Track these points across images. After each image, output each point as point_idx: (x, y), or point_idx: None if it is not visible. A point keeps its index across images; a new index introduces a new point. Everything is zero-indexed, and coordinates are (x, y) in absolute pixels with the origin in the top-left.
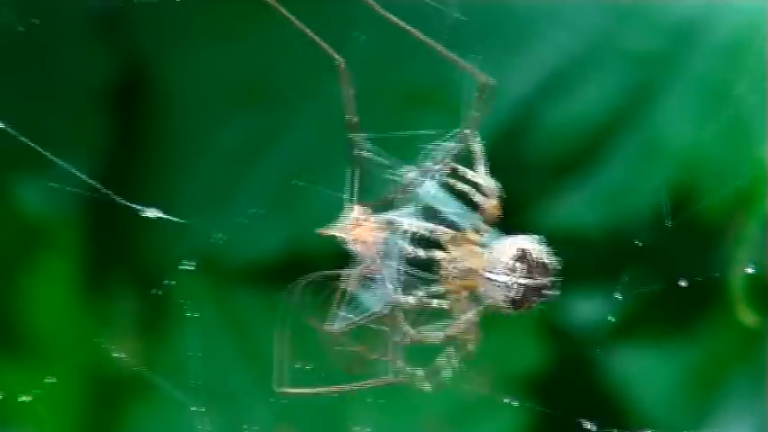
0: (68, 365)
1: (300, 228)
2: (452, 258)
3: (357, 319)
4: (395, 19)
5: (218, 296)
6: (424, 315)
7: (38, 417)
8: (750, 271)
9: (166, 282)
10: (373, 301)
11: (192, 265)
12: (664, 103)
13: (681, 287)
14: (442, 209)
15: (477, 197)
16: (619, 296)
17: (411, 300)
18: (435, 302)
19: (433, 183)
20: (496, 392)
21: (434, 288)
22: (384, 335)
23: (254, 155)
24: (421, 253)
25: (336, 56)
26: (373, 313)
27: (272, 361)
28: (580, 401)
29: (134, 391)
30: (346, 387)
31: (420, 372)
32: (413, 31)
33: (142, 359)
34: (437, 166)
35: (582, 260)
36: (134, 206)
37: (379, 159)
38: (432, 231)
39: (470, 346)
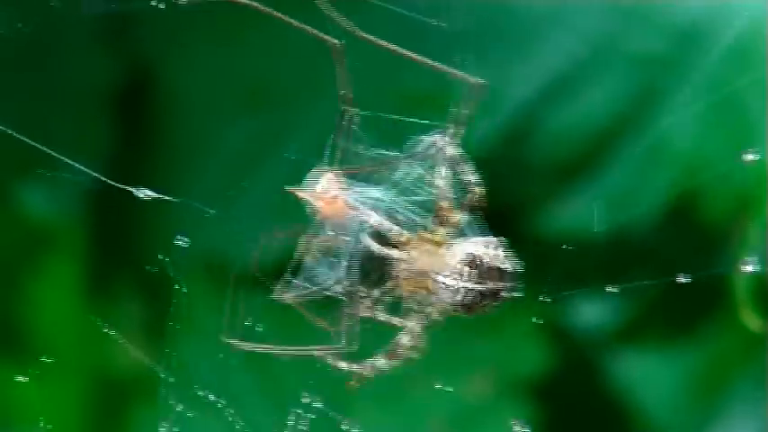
0: (72, 369)
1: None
2: (405, 259)
3: (309, 291)
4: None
5: (225, 299)
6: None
7: (41, 421)
8: (750, 269)
9: (177, 286)
10: (328, 277)
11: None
12: (667, 106)
13: (683, 290)
14: (411, 197)
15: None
16: (614, 289)
17: (364, 302)
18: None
19: (410, 170)
20: (499, 396)
21: (386, 286)
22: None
23: (259, 157)
24: (376, 248)
25: (332, 39)
26: (326, 290)
27: (275, 363)
28: (583, 405)
29: (138, 394)
30: (293, 349)
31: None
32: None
33: (147, 362)
34: (418, 154)
35: (585, 263)
36: (127, 188)
37: (364, 136)
38: (389, 231)
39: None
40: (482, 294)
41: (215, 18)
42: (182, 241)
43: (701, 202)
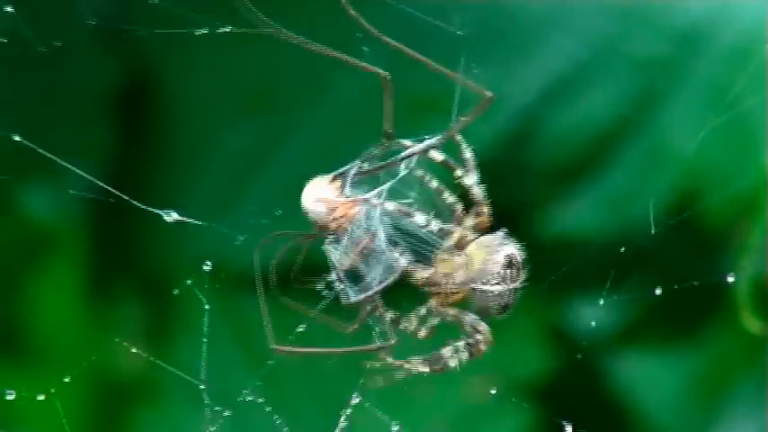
0: (74, 371)
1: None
2: (444, 273)
3: (375, 290)
4: (388, 39)
5: (226, 301)
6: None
7: (43, 422)
8: (731, 280)
9: (175, 291)
10: (380, 269)
11: (208, 266)
12: (668, 108)
13: (684, 293)
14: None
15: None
16: (601, 301)
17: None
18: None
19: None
20: (501, 397)
21: (421, 310)
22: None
23: (261, 159)
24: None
25: (381, 71)
26: (387, 281)
27: (278, 365)
28: (585, 407)
29: (140, 396)
30: (339, 350)
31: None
32: (408, 51)
33: (148, 364)
34: (416, 150)
35: (586, 265)
36: (154, 210)
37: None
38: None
39: (483, 346)
40: (516, 290)
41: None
42: (207, 266)
43: (701, 204)
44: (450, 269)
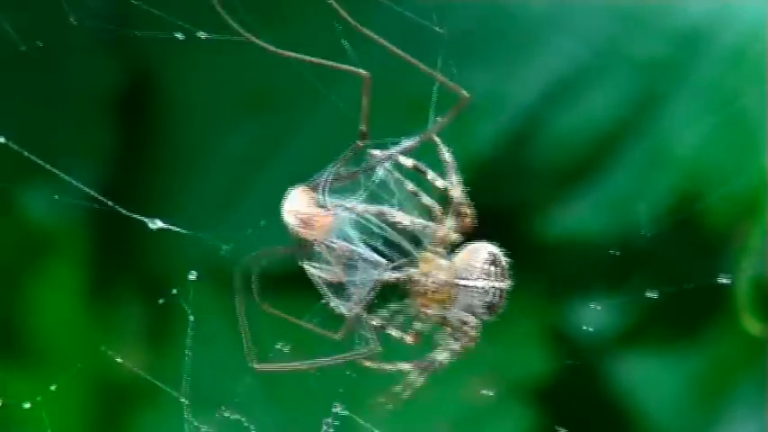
0: (73, 373)
1: (281, 238)
2: (425, 272)
3: (366, 296)
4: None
5: (224, 304)
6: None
7: (42, 424)
8: (724, 282)
9: (174, 291)
10: (365, 276)
11: (195, 275)
12: (668, 110)
13: (684, 294)
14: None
15: (438, 212)
16: (597, 307)
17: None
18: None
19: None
20: (501, 399)
21: (402, 308)
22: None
23: (261, 161)
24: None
25: (360, 70)
26: (378, 282)
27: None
28: (585, 408)
29: (139, 398)
30: (320, 361)
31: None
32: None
33: (147, 366)
34: (391, 152)
35: (587, 267)
36: (139, 218)
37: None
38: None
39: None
40: (502, 291)
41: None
42: (193, 275)
43: (702, 206)
44: (433, 267)
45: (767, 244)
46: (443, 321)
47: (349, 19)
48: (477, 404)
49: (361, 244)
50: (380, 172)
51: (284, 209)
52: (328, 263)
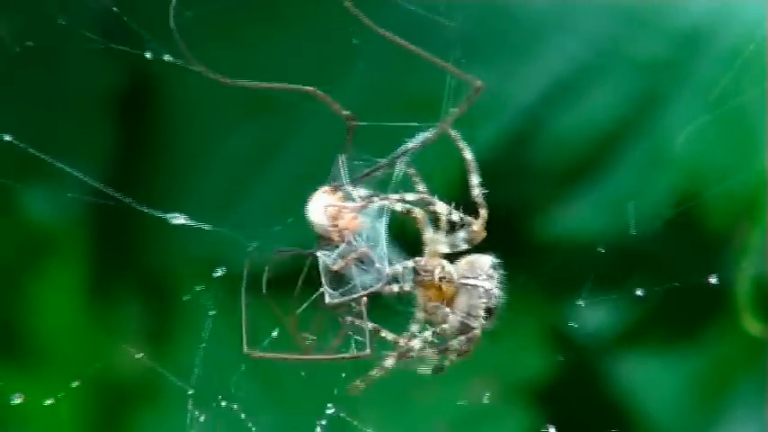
0: (74, 372)
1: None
2: (435, 265)
3: (356, 295)
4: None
5: (228, 303)
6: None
7: (43, 424)
8: (713, 281)
9: (197, 288)
10: (368, 279)
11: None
12: (668, 110)
13: (684, 295)
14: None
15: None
16: (582, 303)
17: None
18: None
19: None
20: (502, 401)
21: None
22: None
23: (262, 162)
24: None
25: (309, 88)
26: (371, 290)
27: (278, 368)
28: (586, 409)
29: (141, 397)
30: (314, 356)
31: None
32: (400, 41)
33: (147, 366)
34: (408, 150)
35: (587, 267)
36: (160, 215)
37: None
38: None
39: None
40: (500, 299)
41: (217, 21)
42: (220, 271)
43: (702, 205)
44: (436, 263)
45: (767, 244)
46: (445, 319)
47: (361, 16)
48: (477, 405)
49: (383, 249)
50: (399, 166)
51: (312, 206)
52: (342, 257)
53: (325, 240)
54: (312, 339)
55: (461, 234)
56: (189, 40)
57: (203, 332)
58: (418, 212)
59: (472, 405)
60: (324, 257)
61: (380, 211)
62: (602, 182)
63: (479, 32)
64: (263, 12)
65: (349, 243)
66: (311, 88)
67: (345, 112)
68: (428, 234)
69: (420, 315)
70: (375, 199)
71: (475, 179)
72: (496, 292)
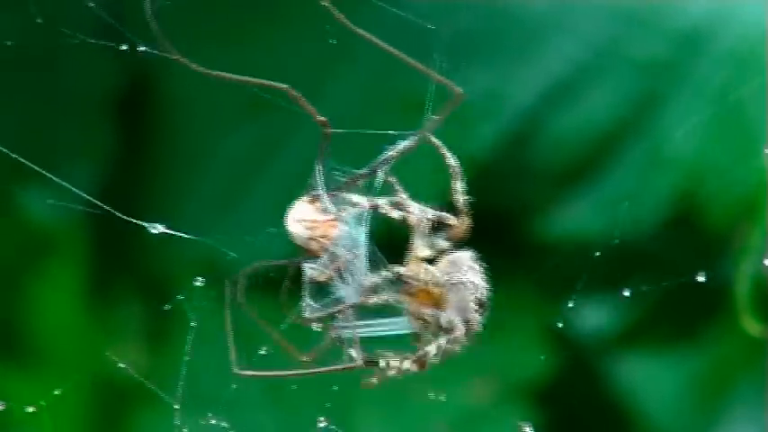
0: (74, 374)
1: None
2: (419, 270)
3: (332, 309)
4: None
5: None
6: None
7: (42, 426)
8: (701, 279)
9: (178, 297)
10: (347, 291)
11: (200, 281)
12: (668, 110)
13: (684, 294)
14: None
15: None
16: (581, 303)
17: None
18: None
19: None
20: (502, 401)
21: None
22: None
23: (261, 162)
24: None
25: (283, 85)
26: (350, 304)
27: (243, 388)
28: (585, 409)
29: (139, 399)
30: (303, 371)
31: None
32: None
33: (146, 368)
34: (388, 155)
35: (586, 268)
36: (139, 222)
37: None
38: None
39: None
40: (487, 290)
41: (217, 22)
42: (199, 282)
43: (702, 206)
44: (422, 268)
45: (767, 244)
46: (435, 320)
47: (344, 20)
48: (476, 404)
49: (363, 259)
50: (380, 175)
51: (289, 219)
52: (326, 266)
53: (307, 252)
54: (307, 355)
55: (441, 233)
56: (189, 40)
57: (186, 342)
58: (413, 218)
59: (472, 405)
60: (306, 268)
61: (359, 218)
62: (602, 182)
63: (478, 33)
64: (264, 12)
65: (330, 253)
66: (285, 86)
67: (320, 118)
68: (419, 241)
69: (416, 324)
70: (349, 207)
71: (459, 185)
72: (483, 283)
